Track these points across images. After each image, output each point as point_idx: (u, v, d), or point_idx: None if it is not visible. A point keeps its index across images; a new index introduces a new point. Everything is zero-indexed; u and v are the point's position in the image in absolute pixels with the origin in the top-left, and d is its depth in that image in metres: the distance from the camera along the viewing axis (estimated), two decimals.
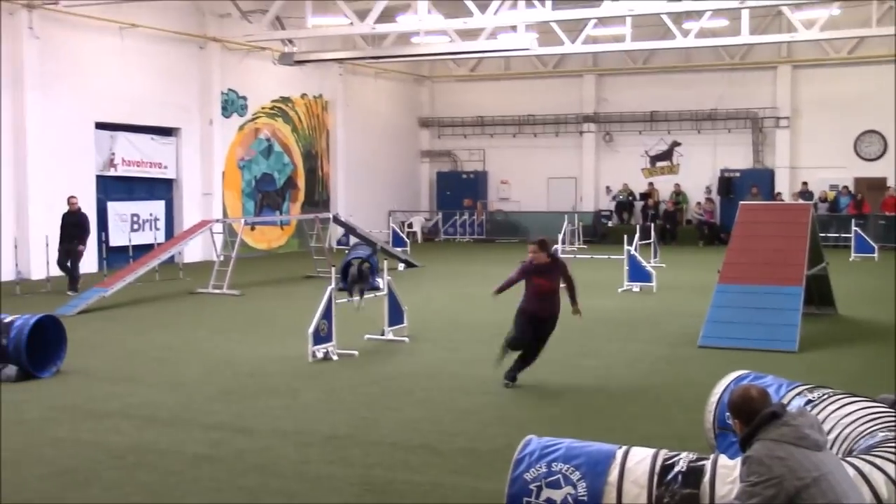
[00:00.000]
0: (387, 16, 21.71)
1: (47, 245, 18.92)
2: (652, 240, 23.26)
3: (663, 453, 5.20)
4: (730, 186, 31.31)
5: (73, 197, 18.96)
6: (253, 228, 27.11)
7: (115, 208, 23.70)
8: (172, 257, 21.60)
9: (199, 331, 14.40)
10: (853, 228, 26.06)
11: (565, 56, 31.90)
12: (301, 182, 30.18)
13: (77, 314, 15.56)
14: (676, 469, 5.05)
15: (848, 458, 5.22)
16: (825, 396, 6.38)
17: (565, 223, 26.97)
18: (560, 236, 24.17)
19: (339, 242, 27.25)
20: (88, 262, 20.77)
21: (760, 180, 31.10)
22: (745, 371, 7.34)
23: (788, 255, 13.14)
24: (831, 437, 5.73)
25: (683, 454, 5.19)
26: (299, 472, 7.30)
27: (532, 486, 5.12)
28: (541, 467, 5.17)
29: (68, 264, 18.52)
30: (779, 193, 30.49)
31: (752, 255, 13.42)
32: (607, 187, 33.93)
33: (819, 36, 24.25)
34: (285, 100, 29.34)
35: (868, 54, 29.62)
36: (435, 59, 31.67)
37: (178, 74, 25.20)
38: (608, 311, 15.68)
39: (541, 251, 9.83)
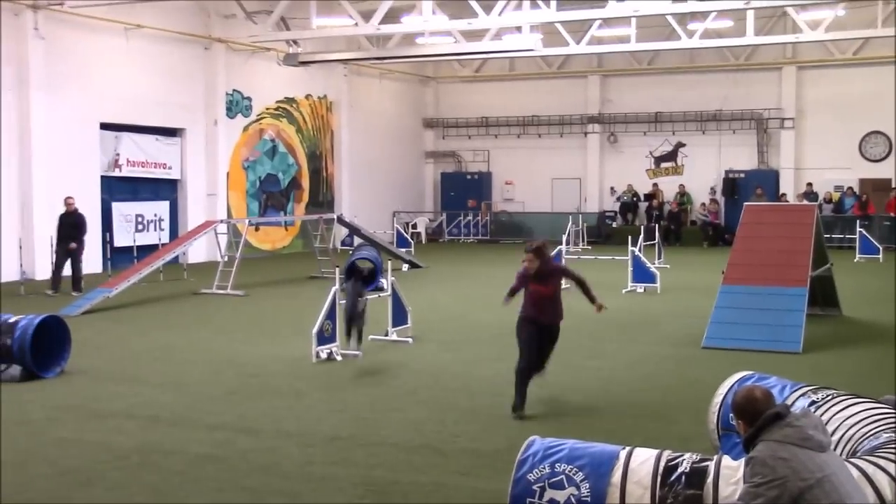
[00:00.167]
0: (391, 16, 21.70)
1: (52, 245, 18.93)
2: (656, 241, 23.23)
3: (667, 454, 5.20)
4: (734, 187, 31.26)
5: (69, 197, 18.91)
6: (257, 229, 27.12)
7: (120, 209, 23.71)
8: (177, 258, 21.66)
9: (203, 331, 14.42)
10: (858, 229, 26.03)
11: (570, 57, 31.89)
12: (305, 183, 30.19)
13: (81, 314, 15.57)
14: (680, 470, 5.05)
15: (851, 460, 5.22)
16: (829, 397, 6.38)
17: (569, 224, 26.92)
18: (564, 237, 24.13)
19: (343, 243, 27.25)
20: (92, 262, 20.83)
21: (765, 181, 31.07)
22: (749, 372, 7.34)
23: (793, 256, 13.11)
24: (835, 438, 5.72)
25: (687, 455, 5.19)
26: (303, 473, 7.30)
27: (535, 487, 5.12)
28: (544, 468, 5.17)
29: (67, 264, 18.48)
30: (783, 194, 30.42)
31: (757, 256, 13.40)
32: (612, 188, 33.92)
33: (824, 37, 24.20)
34: (290, 100, 29.35)
35: (873, 55, 29.53)
36: (439, 59, 31.64)
37: (182, 75, 25.21)
38: (612, 312, 15.41)
39: (536, 258, 9.23)
